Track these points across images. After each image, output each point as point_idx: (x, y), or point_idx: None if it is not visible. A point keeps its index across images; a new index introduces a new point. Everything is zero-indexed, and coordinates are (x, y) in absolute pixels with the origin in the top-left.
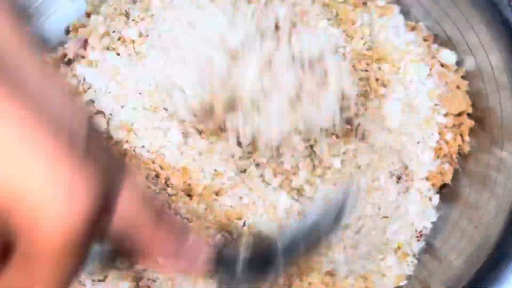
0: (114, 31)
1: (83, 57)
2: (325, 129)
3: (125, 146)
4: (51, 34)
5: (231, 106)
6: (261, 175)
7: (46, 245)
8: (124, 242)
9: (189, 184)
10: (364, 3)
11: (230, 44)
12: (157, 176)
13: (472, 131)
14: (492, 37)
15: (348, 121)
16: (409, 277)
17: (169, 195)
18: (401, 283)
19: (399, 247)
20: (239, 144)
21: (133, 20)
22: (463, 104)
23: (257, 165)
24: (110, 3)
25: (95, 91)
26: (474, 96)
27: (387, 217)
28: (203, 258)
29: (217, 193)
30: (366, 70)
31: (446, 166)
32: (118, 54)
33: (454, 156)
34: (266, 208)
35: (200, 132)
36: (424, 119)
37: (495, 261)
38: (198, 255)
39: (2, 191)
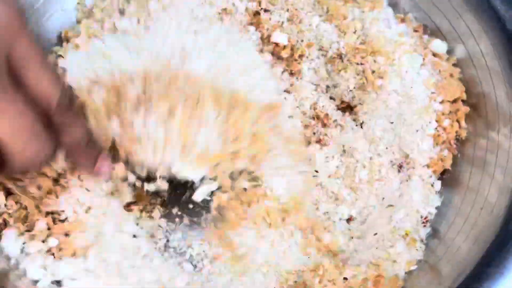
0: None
1: None
2: None
3: None
4: (44, 42)
5: None
6: None
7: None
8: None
9: None
10: None
11: None
12: None
13: (468, 117)
14: (480, 24)
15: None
16: (419, 262)
17: None
18: (412, 267)
19: (407, 234)
20: None
21: None
22: (458, 91)
23: None
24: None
25: None
26: (468, 82)
27: (392, 205)
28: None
29: None
30: (362, 64)
31: (445, 152)
32: None
33: (452, 142)
34: None
35: None
36: (422, 107)
37: (502, 241)
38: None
39: None
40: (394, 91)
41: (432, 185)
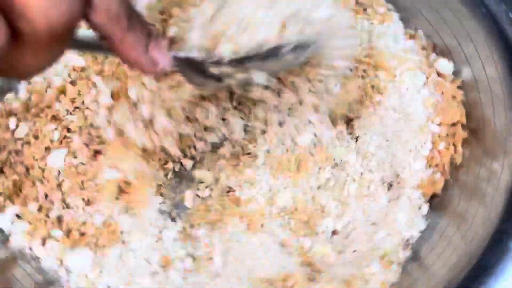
0: None
1: None
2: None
3: None
4: None
5: None
6: None
7: (42, 28)
8: (102, 39)
9: None
10: (365, 10)
11: None
12: None
13: (465, 142)
14: (489, 48)
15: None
16: (393, 284)
17: None
18: None
19: (385, 254)
20: None
21: None
22: (458, 114)
23: None
24: None
25: None
26: (470, 106)
27: (375, 224)
28: (165, 64)
29: None
30: (363, 77)
31: (438, 176)
32: None
33: (446, 166)
34: None
35: None
36: (418, 127)
37: (478, 273)
38: (158, 63)
39: None
40: (392, 108)
41: (419, 208)
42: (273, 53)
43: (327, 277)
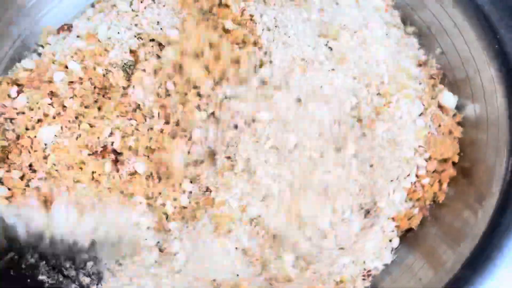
0: None
1: None
2: None
3: None
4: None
5: None
6: None
7: None
8: None
9: None
10: None
11: None
12: None
13: (453, 180)
14: (495, 85)
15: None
16: None
17: None
18: None
19: (341, 281)
20: None
21: None
22: (450, 151)
23: None
24: None
25: None
26: (465, 145)
27: (343, 248)
28: None
29: None
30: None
31: (416, 211)
32: None
33: (427, 202)
34: None
35: None
36: (404, 158)
37: None
38: None
39: None
40: (381, 134)
41: (390, 240)
42: None
43: None
